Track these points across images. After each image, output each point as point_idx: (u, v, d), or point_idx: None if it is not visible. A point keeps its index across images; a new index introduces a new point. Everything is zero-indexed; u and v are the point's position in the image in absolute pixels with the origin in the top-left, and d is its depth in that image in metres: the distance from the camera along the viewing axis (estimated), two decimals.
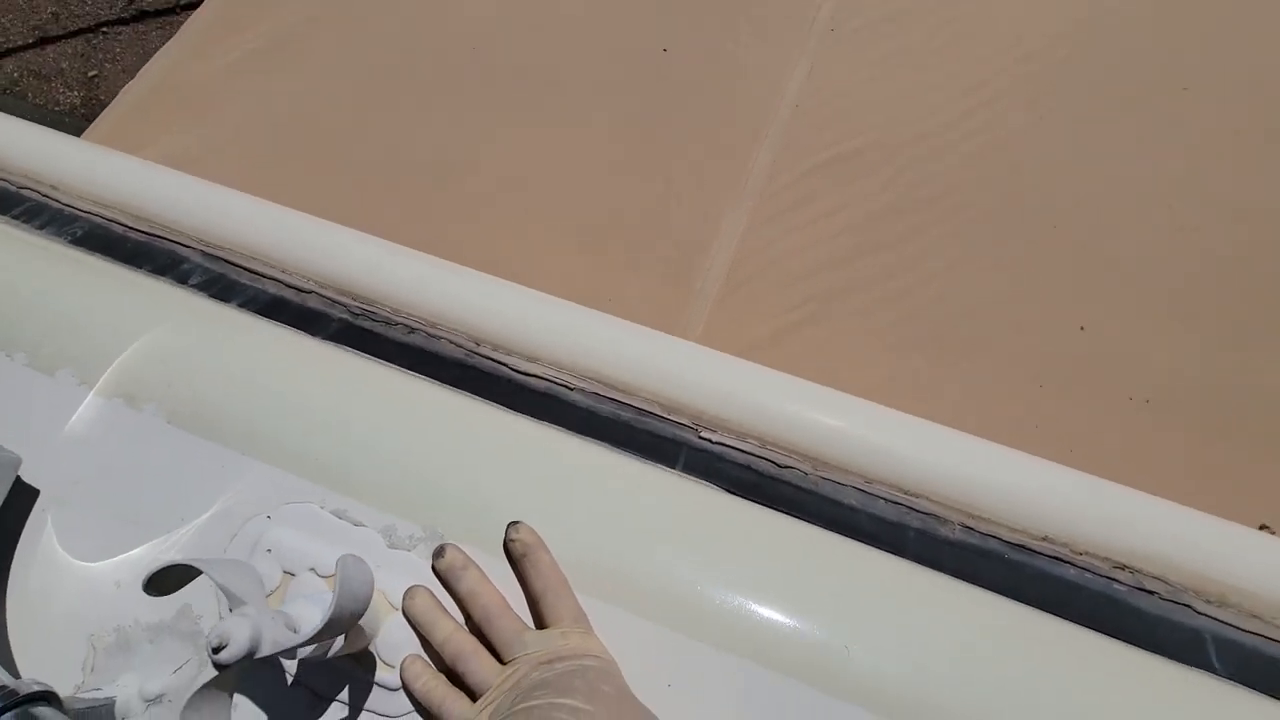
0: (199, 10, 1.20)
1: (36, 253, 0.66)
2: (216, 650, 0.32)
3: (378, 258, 0.73)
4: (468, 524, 0.47)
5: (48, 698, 0.37)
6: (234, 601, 0.33)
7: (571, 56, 1.11)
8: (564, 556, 0.45)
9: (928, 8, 1.08)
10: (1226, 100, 1.00)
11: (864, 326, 0.85)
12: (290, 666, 0.44)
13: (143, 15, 4.76)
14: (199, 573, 0.35)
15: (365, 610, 0.35)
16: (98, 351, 0.54)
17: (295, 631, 0.34)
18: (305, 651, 0.37)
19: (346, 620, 0.34)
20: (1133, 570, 0.59)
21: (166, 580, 0.35)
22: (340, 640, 0.39)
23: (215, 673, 0.34)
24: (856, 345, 0.84)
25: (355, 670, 0.43)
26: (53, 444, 0.50)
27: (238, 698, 0.44)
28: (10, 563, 0.48)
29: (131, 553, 0.47)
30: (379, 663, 0.43)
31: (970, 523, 0.61)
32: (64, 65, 4.67)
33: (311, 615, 0.34)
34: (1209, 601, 0.58)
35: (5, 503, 0.47)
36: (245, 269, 0.73)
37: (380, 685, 0.43)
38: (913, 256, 0.89)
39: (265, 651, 0.33)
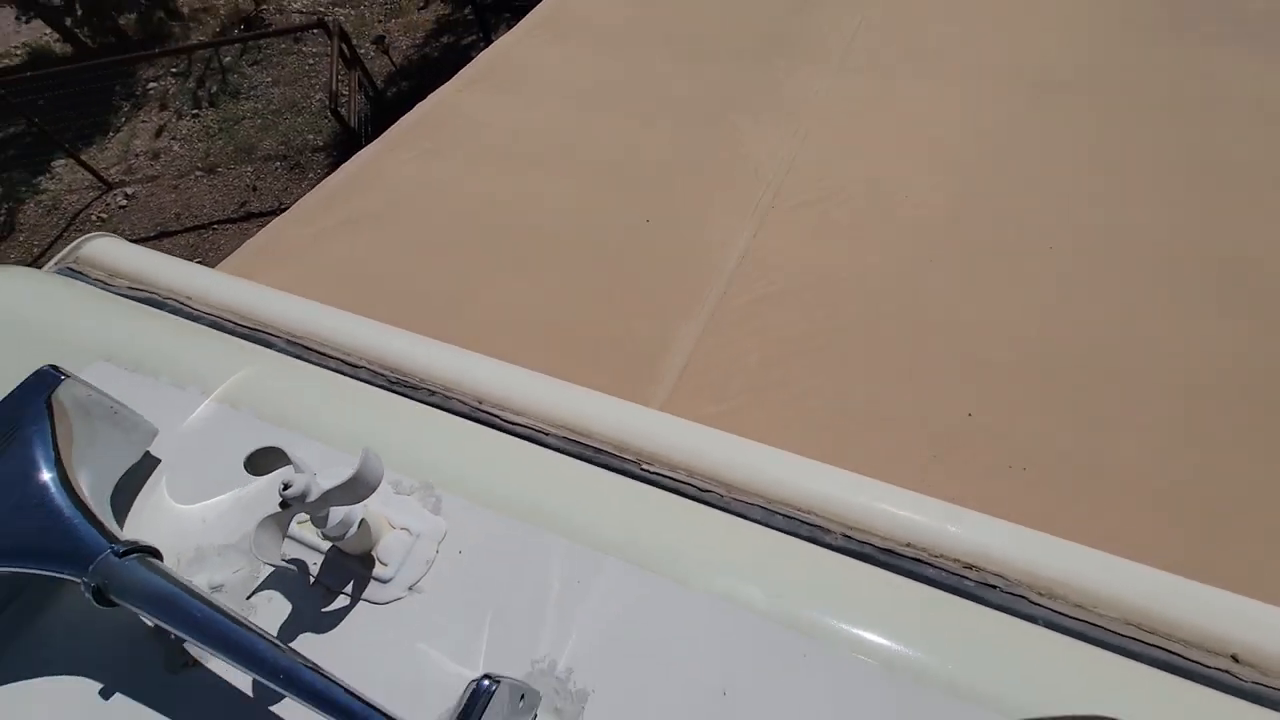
0: (308, 194, 1.63)
1: (179, 327, 0.93)
2: (285, 488, 0.52)
3: (409, 345, 0.99)
4: (450, 479, 0.67)
5: (155, 552, 0.56)
6: (299, 468, 0.54)
7: (576, 226, 1.48)
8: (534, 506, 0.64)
9: (843, 195, 1.43)
10: (1081, 253, 1.27)
11: (788, 411, 1.06)
12: (314, 569, 0.62)
13: (249, 215, 5.72)
14: (285, 462, 0.55)
15: (376, 486, 0.54)
16: (215, 376, 0.79)
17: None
18: (334, 520, 0.56)
19: (362, 487, 0.54)
20: (978, 569, 0.73)
21: (260, 462, 0.55)
22: (353, 530, 0.58)
23: (279, 509, 0.53)
24: (783, 423, 1.04)
25: (358, 568, 0.61)
26: (178, 430, 0.73)
27: (275, 595, 0.61)
28: (132, 505, 0.68)
29: (219, 499, 0.67)
30: (376, 562, 0.61)
31: (849, 532, 0.77)
32: (174, 254, 5.52)
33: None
34: (1040, 594, 0.71)
35: (140, 462, 0.69)
36: (314, 351, 0.99)
37: (376, 579, 0.60)
38: (826, 362, 1.12)
39: (313, 496, 0.52)
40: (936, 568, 0.74)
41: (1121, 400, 1.02)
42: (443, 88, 2.21)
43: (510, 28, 2.46)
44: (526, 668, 0.55)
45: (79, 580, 0.53)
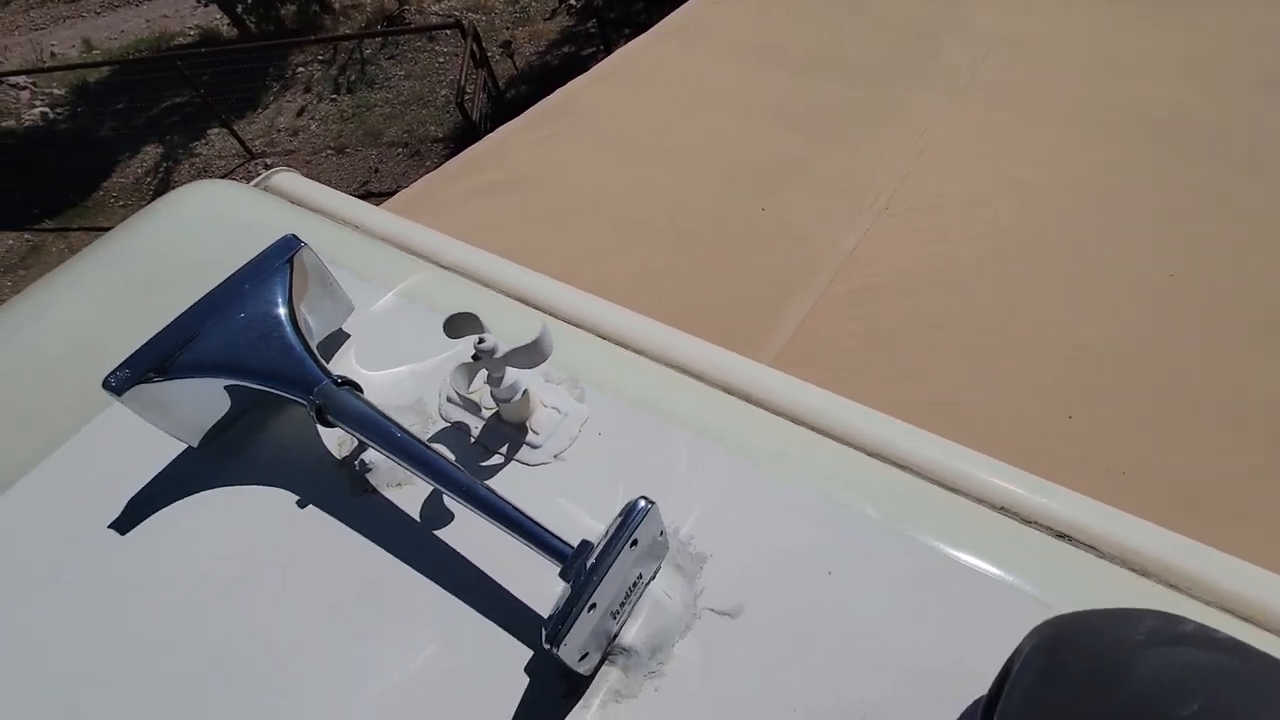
0: (456, 157, 1.80)
1: (358, 239, 1.08)
2: (480, 342, 0.62)
3: (541, 283, 1.10)
4: (593, 377, 0.76)
5: (360, 388, 0.68)
6: (488, 329, 0.64)
7: (695, 210, 1.57)
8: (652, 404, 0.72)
9: (952, 202, 1.47)
10: (1203, 280, 1.26)
11: (878, 393, 1.10)
12: (475, 431, 0.72)
13: (369, 195, 6.15)
14: (477, 327, 0.66)
15: (549, 355, 0.64)
16: (392, 277, 0.92)
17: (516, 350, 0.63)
18: (506, 382, 0.66)
19: (538, 353, 0.63)
20: (1071, 539, 0.76)
21: (456, 325, 0.66)
22: (518, 395, 0.68)
23: (471, 361, 0.63)
24: (878, 401, 1.09)
25: (514, 434, 0.71)
26: (365, 314, 0.86)
27: (442, 449, 0.72)
28: (328, 363, 0.81)
29: (397, 369, 0.80)
30: (529, 431, 0.71)
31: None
32: None
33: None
34: (1134, 571, 0.73)
35: (335, 333, 0.82)
36: (460, 275, 1.12)
37: (528, 445, 0.70)
38: (921, 353, 1.16)
39: (500, 354, 0.63)
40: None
41: (1228, 424, 1.01)
42: (574, 81, 2.37)
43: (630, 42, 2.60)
44: None
45: (304, 401, 0.66)
